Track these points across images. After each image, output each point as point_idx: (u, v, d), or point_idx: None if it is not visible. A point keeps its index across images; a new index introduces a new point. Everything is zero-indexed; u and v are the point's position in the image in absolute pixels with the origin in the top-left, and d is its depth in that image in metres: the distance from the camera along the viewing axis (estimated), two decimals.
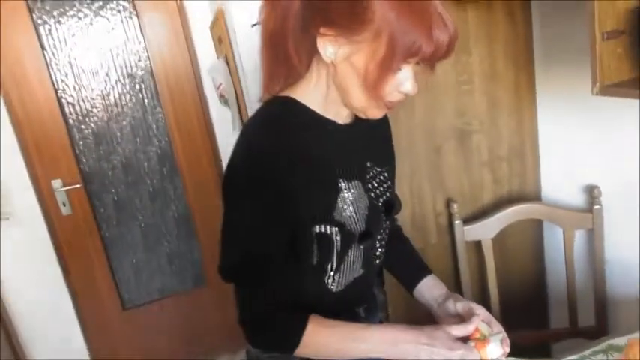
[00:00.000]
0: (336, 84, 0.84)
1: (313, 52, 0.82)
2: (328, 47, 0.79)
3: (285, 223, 0.83)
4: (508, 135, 1.67)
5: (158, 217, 2.56)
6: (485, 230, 1.61)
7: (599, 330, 1.60)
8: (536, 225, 1.78)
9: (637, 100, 1.28)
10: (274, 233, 0.83)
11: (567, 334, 1.66)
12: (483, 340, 0.91)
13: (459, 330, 0.90)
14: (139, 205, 2.52)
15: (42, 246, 2.37)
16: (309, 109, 0.87)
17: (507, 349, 0.92)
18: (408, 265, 1.13)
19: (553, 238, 1.77)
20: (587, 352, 1.18)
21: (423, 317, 1.00)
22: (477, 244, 1.64)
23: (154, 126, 2.48)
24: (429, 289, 1.07)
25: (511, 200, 1.67)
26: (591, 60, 0.96)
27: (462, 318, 0.96)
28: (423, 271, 1.10)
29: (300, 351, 0.88)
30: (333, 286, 0.94)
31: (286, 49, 0.83)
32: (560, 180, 1.69)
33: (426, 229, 1.62)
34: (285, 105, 0.87)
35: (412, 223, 1.59)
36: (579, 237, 1.64)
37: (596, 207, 1.55)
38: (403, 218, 1.51)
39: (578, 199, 1.63)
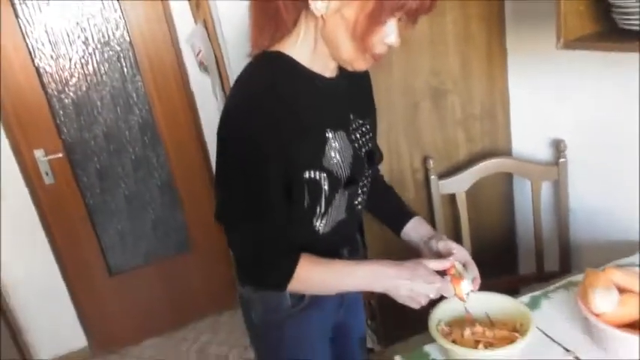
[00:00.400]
0: (324, 37, 0.89)
1: (302, 7, 0.87)
2: (318, 1, 0.84)
3: (280, 167, 0.89)
4: (480, 94, 1.75)
5: (141, 184, 2.59)
6: (459, 184, 1.71)
7: (563, 274, 1.72)
8: (507, 178, 1.89)
9: (599, 56, 1.37)
10: (272, 176, 0.89)
11: (534, 279, 1.78)
12: (458, 277, 1.01)
13: (435, 264, 0.99)
14: (121, 174, 2.55)
15: (26, 215, 2.38)
16: (298, 63, 0.92)
17: (476, 288, 1.03)
18: (394, 209, 1.21)
19: (522, 190, 1.88)
20: (550, 287, 1.28)
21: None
22: (452, 198, 1.74)
23: (134, 94, 2.48)
24: (415, 229, 1.15)
25: (483, 156, 1.77)
26: (556, 17, 1.03)
27: (444, 255, 1.05)
28: (408, 214, 1.19)
29: (292, 286, 0.95)
30: (320, 228, 1.02)
31: (276, 4, 0.87)
32: (529, 135, 1.79)
33: (403, 184, 1.71)
34: (275, 59, 0.92)
35: (390, 179, 1.68)
36: (546, 188, 1.75)
37: (561, 160, 1.65)
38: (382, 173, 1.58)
39: (545, 153, 1.74)
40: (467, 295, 1.01)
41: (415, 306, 0.98)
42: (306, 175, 0.92)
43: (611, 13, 1.01)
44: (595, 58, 1.42)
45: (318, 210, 0.98)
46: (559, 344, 1.08)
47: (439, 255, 1.06)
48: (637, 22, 0.94)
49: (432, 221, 1.75)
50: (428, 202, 1.75)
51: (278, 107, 0.86)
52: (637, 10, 0.93)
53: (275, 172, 0.89)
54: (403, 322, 1.23)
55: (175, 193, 2.65)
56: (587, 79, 1.51)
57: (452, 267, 1.02)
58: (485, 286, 1.08)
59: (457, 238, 1.77)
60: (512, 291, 1.91)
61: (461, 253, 1.05)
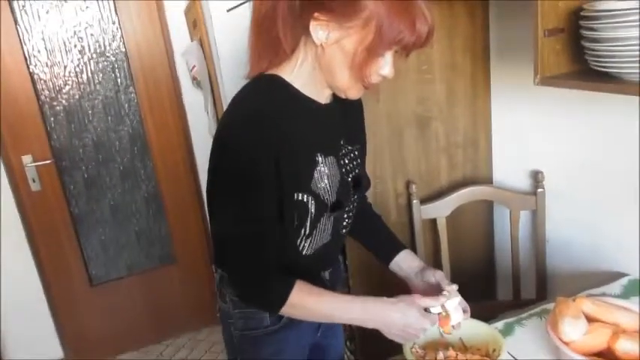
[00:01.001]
0: (321, 65, 0.91)
1: (301, 35, 0.90)
2: (319, 31, 0.86)
3: (273, 185, 0.90)
4: (464, 123, 1.79)
5: (128, 195, 2.59)
6: (441, 209, 1.74)
7: (540, 301, 1.74)
8: (487, 206, 1.92)
9: (579, 93, 1.42)
10: (267, 193, 0.90)
11: (511, 306, 1.79)
12: (445, 316, 1.04)
13: (429, 301, 1.01)
14: (109, 183, 2.55)
15: (10, 221, 2.36)
16: (294, 87, 0.94)
17: (467, 317, 1.06)
18: (384, 240, 1.23)
19: (501, 218, 1.92)
20: (524, 314, 1.31)
21: (381, 289, 1.10)
22: (433, 222, 1.77)
23: (126, 105, 2.50)
24: (406, 261, 1.17)
25: (465, 183, 1.80)
26: (534, 54, 1.08)
27: (434, 287, 1.08)
28: (398, 246, 1.20)
29: (285, 310, 0.96)
30: (304, 250, 1.03)
31: (276, 32, 0.90)
32: (509, 165, 1.83)
33: (386, 207, 1.74)
34: (272, 82, 0.94)
35: (374, 202, 1.68)
36: (524, 217, 1.79)
37: (539, 190, 1.69)
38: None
39: (524, 183, 1.78)
40: (453, 328, 1.05)
41: (403, 342, 1.01)
42: (296, 197, 0.93)
43: (585, 54, 1.05)
44: (575, 94, 1.46)
45: (303, 232, 0.99)
46: None
47: (430, 287, 1.09)
48: (609, 64, 0.99)
49: (412, 245, 1.77)
50: (409, 226, 1.77)
51: (272, 126, 0.87)
52: (607, 53, 0.98)
53: (269, 189, 0.90)
54: (382, 344, 1.23)
55: (161, 204, 2.65)
56: (567, 113, 1.56)
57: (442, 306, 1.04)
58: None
59: (437, 263, 1.80)
60: (489, 317, 1.94)
61: (451, 288, 1.08)
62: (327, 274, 1.14)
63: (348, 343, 1.89)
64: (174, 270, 2.73)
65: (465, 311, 1.06)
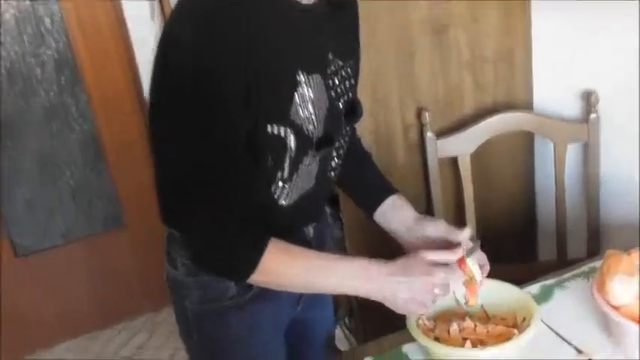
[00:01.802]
0: None
1: None
2: None
3: (236, 123, 0.88)
4: (494, 31, 1.76)
5: (56, 140, 2.57)
6: (464, 145, 1.74)
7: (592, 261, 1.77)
8: (525, 139, 1.92)
9: None
10: (226, 136, 0.89)
11: (555, 267, 1.81)
12: (471, 281, 1.04)
13: (438, 256, 1.01)
14: (31, 125, 2.52)
15: None
16: None
17: (486, 273, 1.07)
18: (368, 182, 1.22)
19: (543, 155, 1.92)
20: (567, 275, 1.33)
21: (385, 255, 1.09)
22: (453, 163, 1.77)
23: (48, 21, 2.44)
24: (396, 210, 1.16)
25: (496, 109, 1.79)
26: None
27: (438, 244, 1.08)
28: (386, 190, 1.19)
29: (256, 278, 0.96)
30: (282, 200, 1.03)
31: None
32: (554, 85, 1.81)
33: (391, 145, 1.73)
34: None
35: (375, 139, 1.70)
36: (573, 152, 1.79)
37: (592, 116, 1.68)
38: (363, 132, 1.59)
39: (573, 108, 1.77)
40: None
41: (421, 311, 1.01)
42: (269, 129, 0.92)
43: None
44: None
45: (279, 175, 0.98)
46: (570, 343, 1.12)
47: (430, 245, 1.08)
48: None
49: (427, 194, 1.78)
50: (422, 169, 1.77)
51: (238, 28, 0.84)
52: None
53: (237, 121, 0.88)
54: (388, 319, 1.26)
55: (101, 151, 2.64)
56: (624, 21, 1.53)
57: (462, 261, 1.03)
58: (493, 276, 1.11)
59: (459, 216, 1.82)
60: (526, 281, 1.98)
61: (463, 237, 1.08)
62: (310, 230, 1.15)
63: (346, 320, 1.93)
64: (124, 236, 2.75)
65: (481, 266, 1.07)
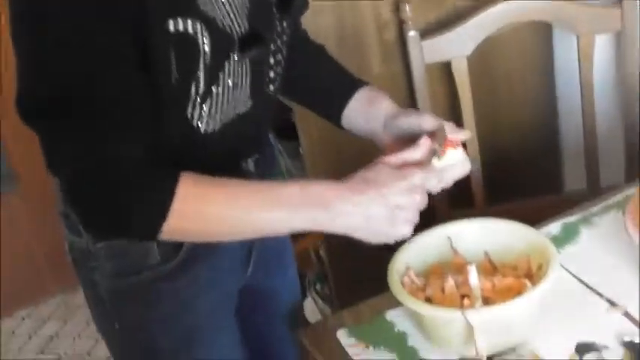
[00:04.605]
0: None
1: None
2: None
3: (121, 17, 0.87)
4: None
5: None
6: (458, 45, 1.73)
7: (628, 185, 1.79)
8: (540, 34, 1.92)
9: None
10: (107, 37, 0.87)
11: (584, 200, 1.83)
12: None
13: (400, 156, 1.02)
14: None
15: None
16: None
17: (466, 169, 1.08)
18: (326, 81, 1.24)
19: (564, 52, 1.93)
20: (596, 208, 1.34)
21: None
22: (446, 70, 1.76)
23: None
24: (370, 105, 1.17)
25: None
26: None
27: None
28: (352, 84, 1.20)
29: (170, 229, 0.93)
30: (203, 125, 1.02)
31: None
32: None
33: (361, 51, 1.73)
34: None
35: (338, 43, 1.69)
36: (604, 47, 1.79)
37: None
38: (321, 34, 1.59)
39: None
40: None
41: (405, 230, 0.98)
42: (171, 26, 0.91)
43: None
44: None
45: (194, 91, 0.97)
46: (600, 295, 1.13)
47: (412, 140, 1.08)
48: None
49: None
50: (405, 80, 1.78)
51: None
52: None
53: (123, 14, 0.87)
54: (370, 280, 1.26)
55: None
56: None
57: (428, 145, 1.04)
58: (504, 215, 1.12)
59: None
60: (546, 217, 2.01)
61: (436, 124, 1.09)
62: (250, 165, 1.15)
63: (317, 286, 1.95)
64: (16, 200, 2.75)
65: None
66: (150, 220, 0.93)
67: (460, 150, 1.07)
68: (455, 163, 1.06)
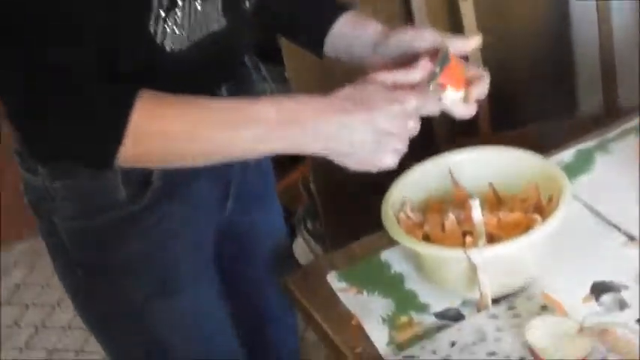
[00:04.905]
0: None
1: None
2: None
3: None
4: None
5: None
6: None
7: None
8: None
9: None
10: None
11: (600, 123, 1.80)
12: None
13: (395, 76, 0.97)
14: None
15: None
16: None
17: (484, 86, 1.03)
18: (307, 6, 1.19)
19: None
20: (612, 134, 1.32)
21: None
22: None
23: None
24: (354, 27, 1.14)
25: None
26: None
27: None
28: (336, 8, 1.16)
29: (128, 153, 0.89)
30: (169, 44, 0.97)
31: None
32: None
33: None
34: None
35: None
36: None
37: None
38: None
39: None
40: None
41: (389, 162, 0.94)
42: None
43: None
44: None
45: (156, 3, 0.92)
46: (618, 228, 1.11)
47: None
48: None
49: None
50: (404, 14, 1.73)
51: None
52: None
53: None
54: (365, 215, 1.25)
55: None
56: None
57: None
58: (512, 142, 1.10)
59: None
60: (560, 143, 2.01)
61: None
62: (224, 92, 1.12)
63: (308, 224, 1.92)
64: None
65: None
66: (101, 151, 0.90)
67: (462, 93, 1.01)
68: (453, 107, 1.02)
